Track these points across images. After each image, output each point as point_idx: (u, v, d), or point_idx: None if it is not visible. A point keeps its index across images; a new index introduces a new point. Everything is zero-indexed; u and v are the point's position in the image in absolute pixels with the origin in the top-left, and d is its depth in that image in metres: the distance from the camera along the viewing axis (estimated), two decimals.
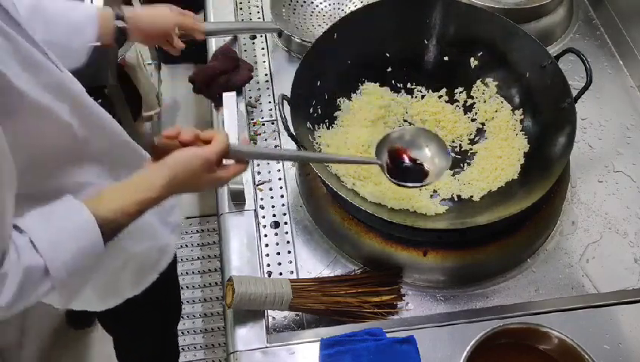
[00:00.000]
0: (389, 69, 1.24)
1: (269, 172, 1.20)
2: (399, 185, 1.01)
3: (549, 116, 1.11)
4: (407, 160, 1.04)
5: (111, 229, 0.77)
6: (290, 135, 1.04)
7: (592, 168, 1.20)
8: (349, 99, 1.21)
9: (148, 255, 1.08)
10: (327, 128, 1.16)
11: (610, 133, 1.25)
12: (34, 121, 0.76)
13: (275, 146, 1.23)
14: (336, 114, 1.19)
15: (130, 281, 1.08)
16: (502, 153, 1.13)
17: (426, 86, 1.24)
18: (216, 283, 2.03)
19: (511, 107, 1.18)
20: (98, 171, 0.91)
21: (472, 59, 1.22)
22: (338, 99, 1.20)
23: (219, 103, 1.22)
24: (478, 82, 1.21)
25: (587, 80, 1.09)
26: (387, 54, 1.23)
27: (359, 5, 1.40)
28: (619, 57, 1.37)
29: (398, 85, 1.24)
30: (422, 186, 1.03)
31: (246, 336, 0.95)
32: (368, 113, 1.17)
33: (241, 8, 1.48)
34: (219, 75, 1.22)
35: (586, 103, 1.26)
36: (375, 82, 1.23)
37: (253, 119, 1.27)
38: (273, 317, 1.01)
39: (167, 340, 1.52)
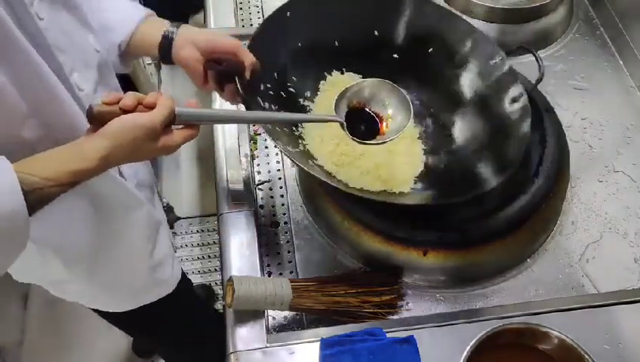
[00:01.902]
0: (339, 60, 1.17)
1: (269, 172, 1.20)
2: (360, 142, 0.97)
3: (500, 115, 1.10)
4: (366, 115, 1.01)
5: (39, 196, 0.71)
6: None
7: (592, 168, 1.20)
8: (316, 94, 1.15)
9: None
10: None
11: (610, 133, 1.25)
12: None
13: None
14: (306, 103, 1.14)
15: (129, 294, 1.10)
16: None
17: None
18: (216, 283, 2.03)
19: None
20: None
21: (424, 54, 1.18)
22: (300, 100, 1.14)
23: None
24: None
25: (540, 74, 1.09)
26: (336, 43, 1.17)
27: None
28: (619, 57, 1.37)
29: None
30: (383, 143, 0.99)
31: (246, 336, 0.95)
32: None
33: (241, 9, 1.48)
34: None
35: (586, 103, 1.27)
36: (331, 72, 1.17)
37: None
38: (273, 317, 1.01)
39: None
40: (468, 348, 0.90)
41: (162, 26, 0.96)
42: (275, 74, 1.11)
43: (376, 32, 1.19)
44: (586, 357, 0.89)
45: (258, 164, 1.21)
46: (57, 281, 1.03)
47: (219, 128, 1.22)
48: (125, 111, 0.75)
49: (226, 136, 1.20)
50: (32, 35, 0.72)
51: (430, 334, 0.94)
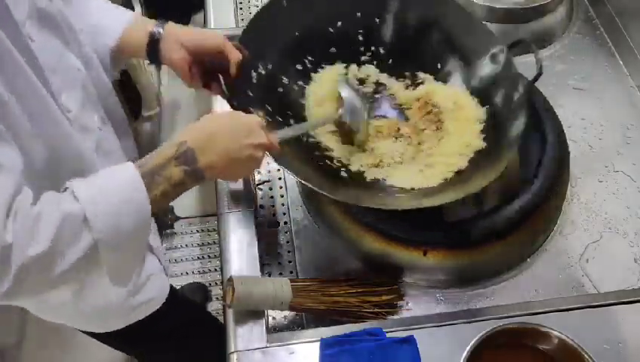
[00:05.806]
0: (336, 49, 1.16)
1: (269, 172, 1.20)
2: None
3: (503, 106, 1.07)
4: None
5: (154, 192, 0.76)
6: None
7: (592, 168, 1.20)
8: (307, 84, 1.13)
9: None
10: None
11: (610, 133, 1.25)
12: None
13: None
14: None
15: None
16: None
17: (380, 69, 1.17)
18: (216, 283, 2.03)
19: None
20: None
21: (426, 43, 1.16)
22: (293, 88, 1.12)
23: None
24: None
25: (537, 69, 1.05)
26: (331, 30, 1.15)
27: None
28: (619, 57, 1.37)
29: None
30: None
31: (246, 336, 0.95)
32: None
33: (241, 8, 1.48)
34: None
35: (586, 103, 1.26)
36: (323, 65, 1.15)
37: None
38: (273, 317, 1.01)
39: None
40: (468, 348, 0.90)
41: (148, 26, 0.97)
42: (270, 65, 1.10)
43: (377, 20, 1.17)
44: (586, 357, 0.89)
45: None
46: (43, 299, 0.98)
47: None
48: None
49: None
50: (26, 56, 0.73)
51: (430, 334, 0.94)
